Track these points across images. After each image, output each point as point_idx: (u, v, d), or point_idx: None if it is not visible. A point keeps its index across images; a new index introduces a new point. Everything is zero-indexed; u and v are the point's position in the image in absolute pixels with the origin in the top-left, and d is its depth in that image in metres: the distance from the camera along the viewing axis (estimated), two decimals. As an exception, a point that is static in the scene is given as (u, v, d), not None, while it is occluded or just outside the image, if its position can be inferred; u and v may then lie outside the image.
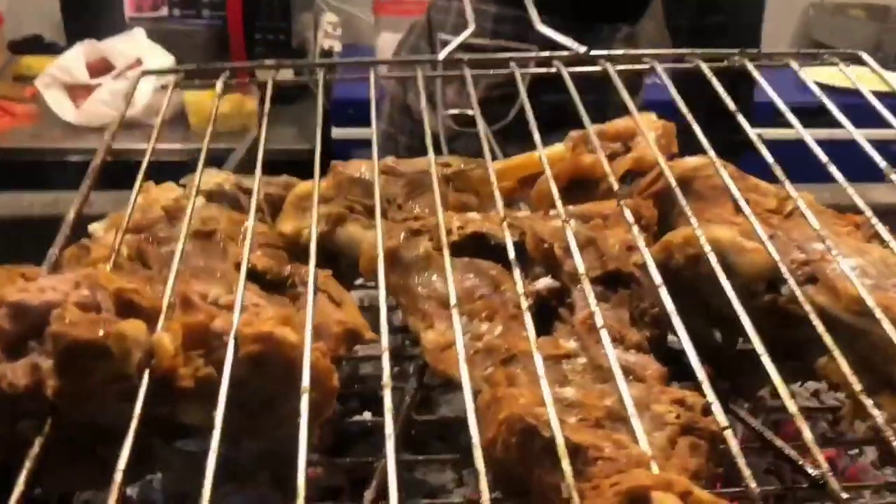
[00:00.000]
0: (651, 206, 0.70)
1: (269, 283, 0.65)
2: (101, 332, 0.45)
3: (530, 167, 0.86)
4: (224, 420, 0.46)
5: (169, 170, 0.79)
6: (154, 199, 0.71)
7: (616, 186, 0.65)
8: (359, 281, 0.79)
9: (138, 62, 2.45)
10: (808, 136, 0.71)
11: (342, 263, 0.76)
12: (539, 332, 0.57)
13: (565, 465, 0.43)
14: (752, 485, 0.41)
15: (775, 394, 0.77)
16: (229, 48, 2.59)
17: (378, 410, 0.73)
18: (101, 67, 2.47)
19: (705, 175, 0.77)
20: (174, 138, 2.28)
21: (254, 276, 0.63)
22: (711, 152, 0.72)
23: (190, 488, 0.51)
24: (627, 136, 0.88)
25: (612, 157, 0.86)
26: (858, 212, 0.65)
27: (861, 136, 0.71)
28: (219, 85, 0.74)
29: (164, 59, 2.43)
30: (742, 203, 0.62)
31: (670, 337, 0.62)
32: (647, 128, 0.88)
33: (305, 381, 0.47)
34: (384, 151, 0.80)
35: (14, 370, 0.45)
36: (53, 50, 2.74)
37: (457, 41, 0.81)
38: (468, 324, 0.60)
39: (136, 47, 2.47)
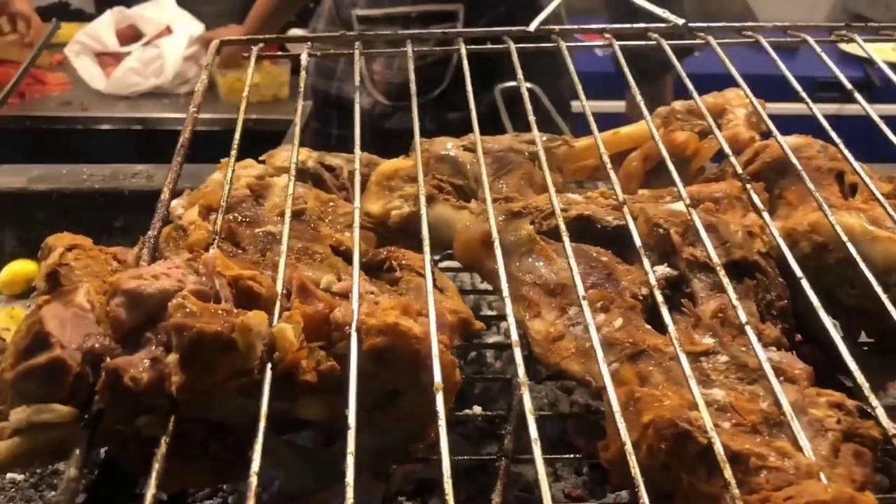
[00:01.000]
0: (763, 190, 0.66)
1: (365, 266, 0.62)
2: (226, 325, 0.42)
3: (619, 144, 0.82)
4: (343, 416, 0.43)
5: (200, 139, 0.74)
6: (236, 177, 0.68)
7: (737, 165, 0.62)
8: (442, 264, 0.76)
9: (168, 30, 2.40)
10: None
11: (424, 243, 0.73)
12: (654, 324, 0.55)
13: (728, 475, 0.40)
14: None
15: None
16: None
17: (481, 404, 0.70)
18: (130, 35, 2.43)
19: (806, 156, 0.74)
20: (204, 110, 2.24)
21: (350, 259, 0.60)
22: (775, 132, 0.68)
23: (303, 484, 0.49)
24: (717, 112, 0.85)
25: (702, 135, 0.82)
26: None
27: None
28: (304, 57, 0.70)
29: (194, 25, 2.39)
30: (876, 192, 0.58)
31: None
32: (738, 104, 0.85)
33: (437, 376, 0.44)
34: (316, 148, 0.77)
35: (135, 364, 0.42)
36: (81, 17, 2.69)
37: (548, 10, 0.77)
38: (580, 314, 0.56)
39: (165, 14, 2.42)
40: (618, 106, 1.87)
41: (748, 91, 0.84)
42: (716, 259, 0.51)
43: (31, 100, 2.37)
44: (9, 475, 0.68)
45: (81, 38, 2.39)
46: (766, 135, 0.82)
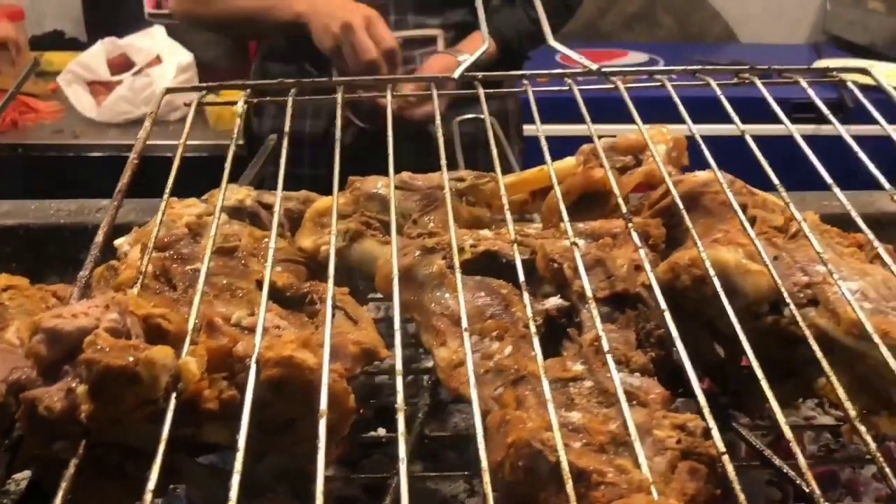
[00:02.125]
0: (659, 225, 0.72)
1: (288, 299, 0.67)
2: (131, 359, 0.47)
3: (541, 181, 0.88)
4: (246, 442, 0.48)
5: (189, 166, 0.79)
6: (177, 215, 0.74)
7: (623, 206, 0.67)
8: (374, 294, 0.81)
9: (157, 59, 2.48)
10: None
11: (356, 278, 0.79)
12: (548, 351, 0.60)
13: (570, 489, 0.45)
14: (748, 510, 0.44)
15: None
16: (246, 45, 2.62)
17: (392, 426, 0.76)
18: (121, 64, 2.50)
19: (713, 191, 0.79)
20: (192, 136, 2.30)
21: (275, 292, 0.66)
22: (714, 167, 0.74)
23: (214, 500, 0.54)
24: (638, 148, 0.90)
25: (622, 171, 0.88)
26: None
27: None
28: (240, 105, 0.76)
29: (183, 56, 2.46)
30: (747, 226, 0.63)
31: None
32: (658, 141, 0.90)
33: (323, 404, 0.50)
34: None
35: (50, 394, 0.47)
36: (74, 45, 2.77)
37: (472, 59, 0.83)
38: (479, 342, 0.62)
39: (155, 44, 2.50)
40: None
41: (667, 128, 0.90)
42: (589, 293, 0.57)
43: (24, 127, 2.44)
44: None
45: (74, 68, 2.46)
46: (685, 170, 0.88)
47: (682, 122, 0.82)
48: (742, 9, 4.07)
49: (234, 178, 0.94)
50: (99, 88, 2.47)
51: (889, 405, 0.58)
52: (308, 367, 0.52)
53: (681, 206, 0.67)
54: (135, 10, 2.69)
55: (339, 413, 0.52)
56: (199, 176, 0.77)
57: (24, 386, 0.49)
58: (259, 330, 0.54)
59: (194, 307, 0.55)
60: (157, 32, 2.52)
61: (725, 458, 0.47)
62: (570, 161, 0.88)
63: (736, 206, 0.67)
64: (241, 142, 0.71)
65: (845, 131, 0.78)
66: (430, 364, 0.90)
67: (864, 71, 0.91)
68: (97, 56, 2.46)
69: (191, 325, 0.53)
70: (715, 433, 0.48)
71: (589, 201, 0.87)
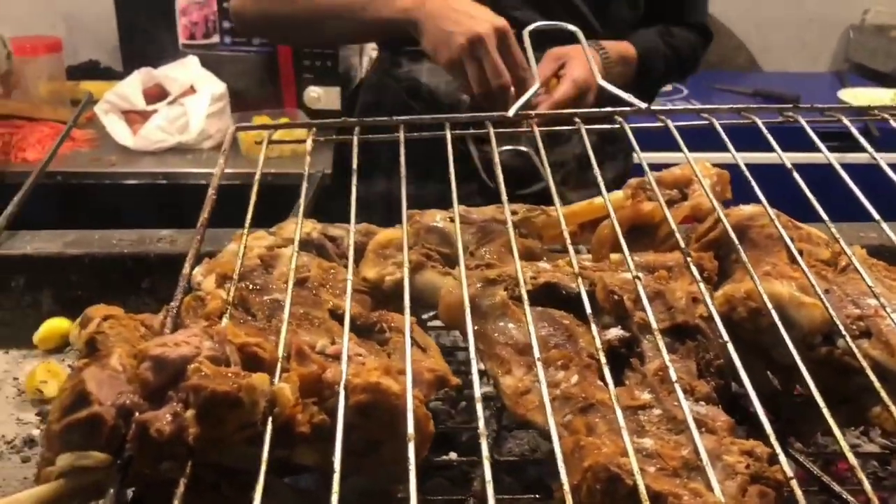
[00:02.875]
0: (713, 259, 0.75)
1: (359, 327, 0.71)
2: (234, 385, 0.51)
3: (592, 213, 0.91)
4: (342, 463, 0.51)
5: (221, 194, 0.83)
6: (249, 248, 0.78)
7: (681, 241, 0.70)
8: (433, 322, 0.85)
9: (192, 89, 2.53)
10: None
11: (417, 307, 0.82)
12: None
13: (647, 513, 0.48)
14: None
15: (824, 433, 0.81)
16: (278, 74, 2.68)
17: (456, 449, 0.79)
18: (156, 94, 2.56)
19: (760, 224, 0.82)
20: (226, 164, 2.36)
21: (354, 328, 0.69)
22: (764, 201, 0.77)
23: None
24: (684, 182, 0.93)
25: (670, 204, 0.91)
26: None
27: None
28: (308, 142, 0.80)
29: (217, 86, 2.52)
30: (800, 260, 0.66)
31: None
32: (703, 175, 0.94)
33: (410, 428, 0.53)
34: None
35: (159, 418, 0.51)
36: (110, 75, 2.83)
37: (525, 98, 0.87)
38: (544, 371, 0.65)
39: (189, 74, 2.55)
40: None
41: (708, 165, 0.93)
42: (654, 325, 0.60)
43: (61, 156, 2.49)
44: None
45: (110, 98, 2.52)
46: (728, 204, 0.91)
47: (723, 148, 0.85)
48: (765, 38, 4.09)
49: (280, 209, 0.98)
50: (134, 117, 2.52)
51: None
52: (393, 393, 0.55)
53: (735, 239, 0.70)
54: (169, 41, 2.75)
55: (421, 436, 0.55)
56: (231, 205, 0.80)
57: (130, 409, 0.53)
58: (344, 358, 0.57)
59: (282, 336, 0.58)
60: (191, 63, 2.58)
61: (794, 482, 0.49)
62: (618, 194, 0.91)
63: (787, 240, 0.71)
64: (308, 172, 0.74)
65: (883, 161, 0.81)
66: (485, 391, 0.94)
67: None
68: (133, 86, 2.52)
69: (281, 353, 0.57)
70: (782, 458, 0.51)
71: (637, 233, 0.90)
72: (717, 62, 4.08)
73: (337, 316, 0.71)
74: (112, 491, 0.50)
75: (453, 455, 0.79)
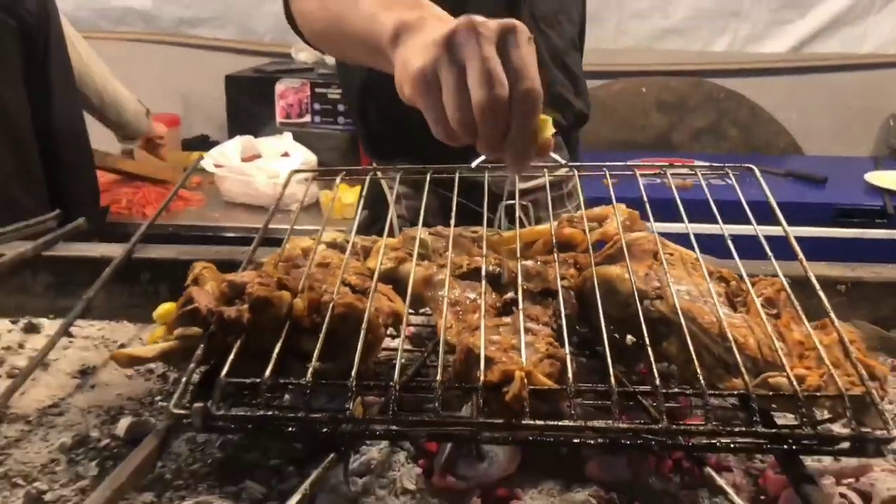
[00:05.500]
0: (587, 258, 1.15)
1: (357, 290, 1.14)
2: (271, 294, 0.94)
3: (532, 235, 1.33)
4: (321, 348, 0.94)
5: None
6: (295, 245, 1.22)
7: (555, 248, 1.11)
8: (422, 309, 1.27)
9: (285, 155, 3.06)
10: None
11: (401, 288, 1.25)
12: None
13: (482, 366, 0.88)
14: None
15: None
16: (358, 147, 3.19)
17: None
18: (252, 158, 3.09)
19: (639, 243, 1.22)
20: (307, 220, 2.86)
21: (349, 287, 1.12)
22: (652, 227, 1.17)
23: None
24: (602, 218, 1.34)
25: (589, 230, 1.32)
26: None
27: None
28: (338, 180, 1.25)
29: (307, 156, 3.03)
30: (628, 258, 1.06)
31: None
32: (619, 212, 1.34)
33: (364, 326, 0.95)
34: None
35: (229, 310, 0.94)
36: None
37: (481, 158, 1.30)
38: (462, 315, 1.06)
39: (283, 145, 3.08)
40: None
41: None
42: (523, 286, 1.01)
43: (174, 211, 3.03)
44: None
45: (213, 154, 3.05)
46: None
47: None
48: (807, 124, 4.31)
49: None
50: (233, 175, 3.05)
51: (701, 358, 0.99)
52: (360, 309, 0.97)
53: (626, 251, 1.11)
54: (268, 119, 3.31)
55: (374, 336, 0.97)
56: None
57: (213, 308, 0.97)
58: (335, 290, 1.00)
59: (303, 278, 1.02)
60: (286, 137, 3.11)
61: (567, 357, 0.89)
62: (547, 226, 1.33)
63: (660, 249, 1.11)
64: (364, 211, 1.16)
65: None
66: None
67: None
68: (234, 148, 3.06)
69: (300, 286, 1.00)
70: (566, 346, 0.90)
71: (563, 247, 1.31)
72: (762, 146, 4.39)
73: (344, 283, 1.14)
74: (200, 349, 0.94)
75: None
